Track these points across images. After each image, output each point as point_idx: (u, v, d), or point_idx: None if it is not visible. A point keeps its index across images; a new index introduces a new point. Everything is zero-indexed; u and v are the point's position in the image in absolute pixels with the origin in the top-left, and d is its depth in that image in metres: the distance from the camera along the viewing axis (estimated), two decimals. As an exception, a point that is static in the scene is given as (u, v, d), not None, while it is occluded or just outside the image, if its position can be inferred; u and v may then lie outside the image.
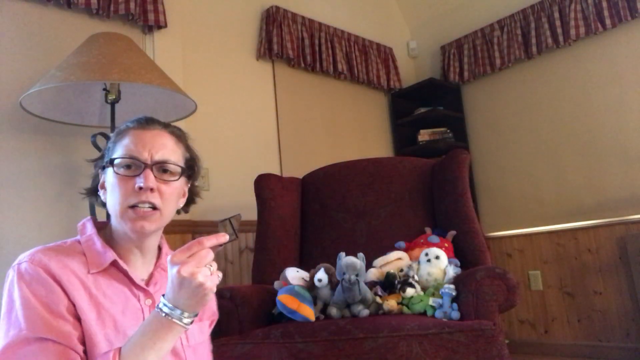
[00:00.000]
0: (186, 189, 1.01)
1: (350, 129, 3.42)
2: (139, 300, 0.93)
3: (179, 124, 2.10)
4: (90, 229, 0.95)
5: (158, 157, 0.91)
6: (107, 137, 1.89)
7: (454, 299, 1.69)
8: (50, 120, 1.93)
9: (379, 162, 2.45)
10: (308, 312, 1.68)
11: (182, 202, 1.00)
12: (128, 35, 1.96)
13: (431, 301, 1.71)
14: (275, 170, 2.85)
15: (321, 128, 3.23)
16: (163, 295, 0.79)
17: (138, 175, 0.89)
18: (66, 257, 0.87)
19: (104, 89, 1.90)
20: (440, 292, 1.71)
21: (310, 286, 1.80)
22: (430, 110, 3.55)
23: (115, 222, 0.92)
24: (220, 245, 0.79)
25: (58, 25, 2.18)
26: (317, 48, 3.17)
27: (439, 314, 1.66)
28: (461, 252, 2.01)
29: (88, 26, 2.23)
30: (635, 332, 2.77)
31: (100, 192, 0.96)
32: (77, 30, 2.19)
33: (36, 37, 2.11)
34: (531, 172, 3.30)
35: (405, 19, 4.02)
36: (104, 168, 0.94)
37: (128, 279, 0.93)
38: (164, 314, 0.77)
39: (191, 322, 0.79)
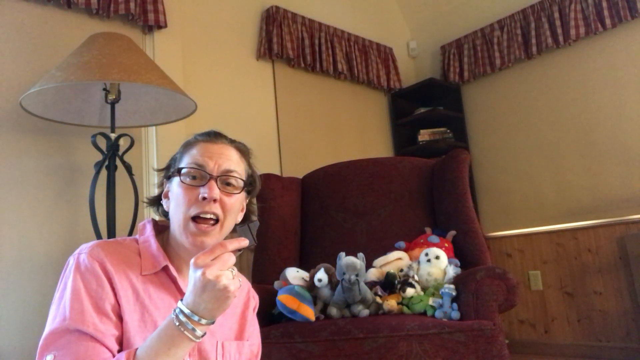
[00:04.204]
0: (245, 204, 1.01)
1: (350, 129, 3.42)
2: None
3: (179, 124, 2.12)
4: (149, 230, 0.97)
5: (223, 169, 0.93)
6: (107, 137, 1.89)
7: (454, 299, 1.69)
8: (50, 120, 1.93)
9: (379, 162, 2.44)
10: (308, 312, 1.68)
11: (240, 217, 1.00)
12: (128, 35, 1.95)
13: (431, 301, 1.71)
14: (275, 170, 2.85)
15: (321, 128, 3.23)
16: (181, 300, 0.78)
17: (202, 185, 0.90)
18: (122, 255, 0.89)
19: (104, 89, 1.91)
20: (440, 292, 1.71)
21: (310, 286, 1.80)
22: (430, 110, 3.55)
23: (176, 231, 0.92)
24: (240, 250, 0.80)
25: (58, 25, 2.18)
26: (317, 48, 3.17)
27: (439, 314, 1.66)
28: (461, 252, 2.01)
29: (88, 26, 2.23)
30: (635, 332, 2.77)
31: (164, 201, 0.97)
32: (77, 30, 2.19)
33: (36, 37, 2.11)
34: (531, 172, 3.30)
35: (405, 19, 4.02)
36: (169, 177, 0.96)
37: (175, 287, 0.93)
38: (177, 323, 0.76)
39: (203, 335, 0.78)
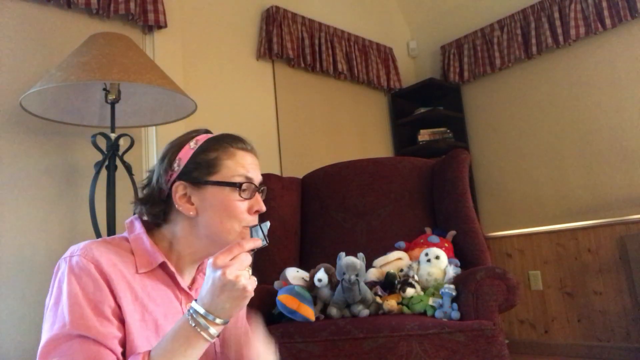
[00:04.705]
0: None
1: (350, 129, 3.42)
2: (181, 303, 0.92)
3: (179, 124, 2.12)
4: (139, 227, 0.94)
5: (260, 179, 0.97)
6: (107, 137, 1.89)
7: (454, 299, 1.69)
8: (50, 120, 1.93)
9: (379, 162, 2.45)
10: (308, 312, 1.68)
11: None
12: (128, 35, 1.95)
13: (431, 301, 1.71)
14: (275, 170, 2.85)
15: (321, 128, 3.23)
16: (195, 300, 0.78)
17: (251, 197, 0.93)
18: (116, 255, 0.86)
19: (104, 89, 1.91)
20: (440, 292, 1.71)
21: (310, 286, 1.80)
22: (430, 110, 3.55)
23: (211, 239, 0.91)
24: (253, 250, 0.81)
25: (58, 25, 2.17)
26: (317, 48, 3.17)
27: (439, 314, 1.66)
28: (461, 252, 2.01)
29: (88, 26, 2.23)
30: (635, 332, 2.77)
31: (182, 206, 0.90)
32: (77, 30, 2.19)
33: (36, 37, 2.10)
34: (531, 172, 3.30)
35: (405, 19, 4.01)
36: (196, 182, 0.91)
37: (174, 282, 0.92)
38: (193, 324, 0.76)
39: (218, 335, 0.78)
